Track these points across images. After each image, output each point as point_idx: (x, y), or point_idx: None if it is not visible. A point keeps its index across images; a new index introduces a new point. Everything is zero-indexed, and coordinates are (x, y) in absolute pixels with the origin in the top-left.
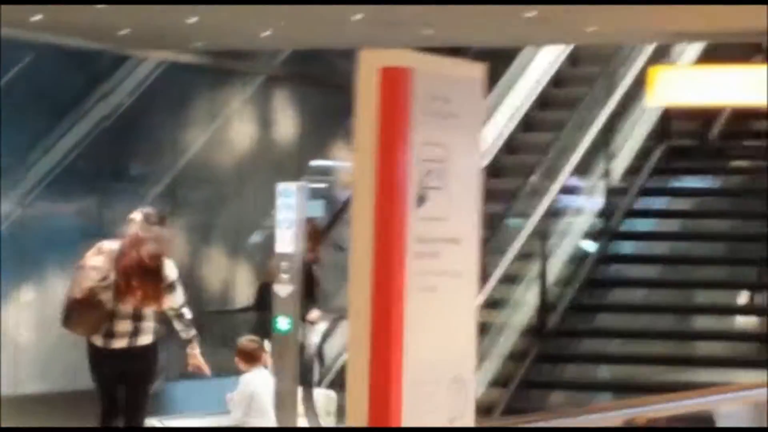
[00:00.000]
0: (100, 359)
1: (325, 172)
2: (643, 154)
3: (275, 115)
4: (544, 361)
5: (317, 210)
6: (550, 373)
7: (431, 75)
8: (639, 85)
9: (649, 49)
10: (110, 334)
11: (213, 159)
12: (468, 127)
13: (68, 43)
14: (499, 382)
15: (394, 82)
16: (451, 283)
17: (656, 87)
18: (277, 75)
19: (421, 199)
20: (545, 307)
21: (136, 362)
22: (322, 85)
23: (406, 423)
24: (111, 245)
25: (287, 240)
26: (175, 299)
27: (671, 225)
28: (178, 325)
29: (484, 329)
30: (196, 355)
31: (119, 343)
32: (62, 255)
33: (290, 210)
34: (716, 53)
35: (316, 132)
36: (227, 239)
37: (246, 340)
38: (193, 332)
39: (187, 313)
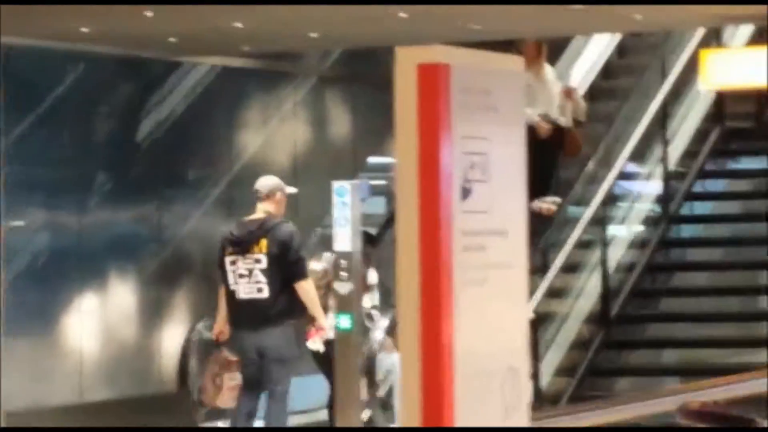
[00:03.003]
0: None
1: (383, 168)
2: (699, 137)
3: (329, 115)
4: (609, 347)
5: (378, 207)
6: (616, 360)
7: (469, 69)
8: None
9: (700, 32)
10: None
11: (269, 161)
12: (509, 119)
13: (118, 52)
14: (565, 370)
15: (431, 79)
16: (501, 275)
17: (708, 70)
18: (329, 75)
19: (465, 192)
20: (607, 293)
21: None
22: (374, 83)
23: (460, 415)
24: (330, 255)
25: (345, 238)
26: (371, 299)
27: (731, 207)
28: (368, 323)
29: (547, 318)
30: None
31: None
32: (123, 262)
33: (346, 208)
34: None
35: (372, 130)
36: None
37: None
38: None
39: (377, 317)
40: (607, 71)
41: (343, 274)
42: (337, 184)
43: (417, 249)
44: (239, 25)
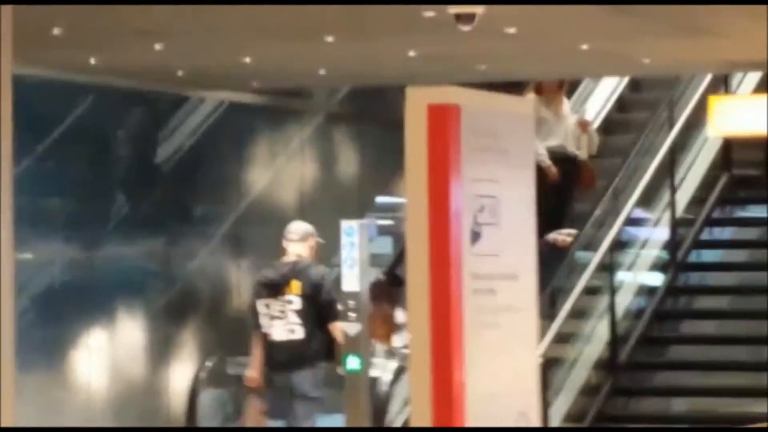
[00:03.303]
0: None
1: (391, 208)
2: (706, 185)
3: (336, 153)
4: (617, 394)
5: (385, 247)
6: (624, 407)
7: (479, 111)
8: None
9: (707, 79)
10: None
11: (276, 198)
12: (519, 161)
13: (127, 85)
14: (573, 417)
15: (442, 119)
16: (511, 318)
17: (716, 117)
18: (336, 112)
19: (475, 236)
20: (616, 340)
21: None
22: (382, 121)
23: None
24: None
25: (352, 278)
26: (401, 339)
27: (739, 255)
28: (400, 363)
29: (555, 363)
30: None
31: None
32: (131, 298)
33: (354, 248)
34: None
35: (380, 169)
36: None
37: None
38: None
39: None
40: (621, 105)
41: (351, 314)
42: (345, 224)
43: (427, 291)
44: (248, 60)
